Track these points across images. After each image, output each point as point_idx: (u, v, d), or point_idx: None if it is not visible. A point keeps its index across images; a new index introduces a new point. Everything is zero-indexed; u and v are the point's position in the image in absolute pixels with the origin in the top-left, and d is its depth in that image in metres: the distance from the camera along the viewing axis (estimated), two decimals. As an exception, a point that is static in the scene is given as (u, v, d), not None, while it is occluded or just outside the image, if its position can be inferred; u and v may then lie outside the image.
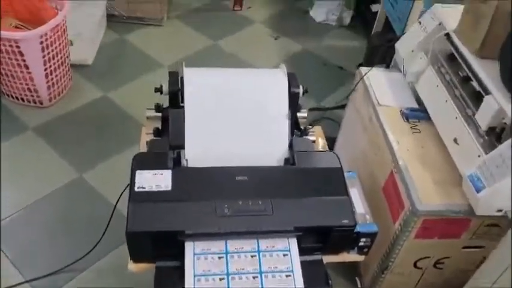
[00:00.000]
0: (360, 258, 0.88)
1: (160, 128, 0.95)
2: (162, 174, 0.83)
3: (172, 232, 0.77)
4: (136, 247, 0.79)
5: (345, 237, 0.83)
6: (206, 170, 0.84)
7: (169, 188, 0.80)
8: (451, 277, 1.11)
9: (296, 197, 0.83)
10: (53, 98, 1.71)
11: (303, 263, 0.78)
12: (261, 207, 0.80)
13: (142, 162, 0.84)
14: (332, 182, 0.87)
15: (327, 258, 0.86)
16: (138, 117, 1.66)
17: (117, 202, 1.04)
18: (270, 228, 0.79)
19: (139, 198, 0.79)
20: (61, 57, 1.64)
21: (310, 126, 0.99)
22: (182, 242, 0.77)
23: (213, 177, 0.84)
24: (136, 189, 0.80)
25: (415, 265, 1.06)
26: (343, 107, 1.78)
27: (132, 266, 0.81)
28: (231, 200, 0.79)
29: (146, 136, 0.94)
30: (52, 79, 1.64)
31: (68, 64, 1.70)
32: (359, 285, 1.22)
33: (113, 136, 1.61)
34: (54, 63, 1.59)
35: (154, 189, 0.80)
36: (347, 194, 0.86)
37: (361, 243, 0.86)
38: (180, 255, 0.77)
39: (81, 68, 1.83)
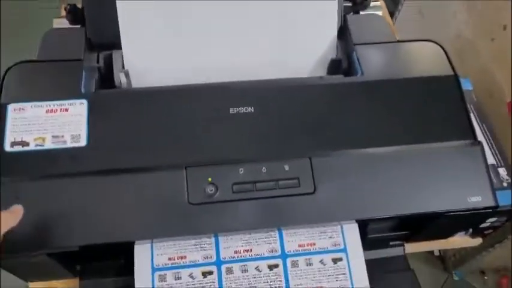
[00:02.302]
0: (473, 243, 0.59)
1: (81, 5, 0.59)
2: (67, 109, 0.46)
3: (98, 246, 0.42)
4: (25, 271, 0.46)
5: (463, 219, 0.49)
6: (167, 95, 0.48)
7: (83, 142, 0.44)
8: None
9: (364, 147, 0.46)
10: None
11: (369, 269, 0.45)
12: (288, 177, 0.44)
13: (24, 82, 0.48)
14: (439, 109, 0.48)
15: (410, 247, 0.55)
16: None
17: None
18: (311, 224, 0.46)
19: (15, 172, 0.43)
20: None
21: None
22: (128, 246, 0.45)
23: (181, 111, 0.47)
24: (8, 148, 0.43)
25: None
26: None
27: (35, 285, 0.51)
28: (222, 163, 0.44)
29: (57, 22, 0.62)
30: None
31: None
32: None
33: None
34: None
35: (50, 145, 0.44)
36: (473, 135, 0.47)
37: (485, 224, 0.53)
38: (126, 268, 0.45)
39: None
